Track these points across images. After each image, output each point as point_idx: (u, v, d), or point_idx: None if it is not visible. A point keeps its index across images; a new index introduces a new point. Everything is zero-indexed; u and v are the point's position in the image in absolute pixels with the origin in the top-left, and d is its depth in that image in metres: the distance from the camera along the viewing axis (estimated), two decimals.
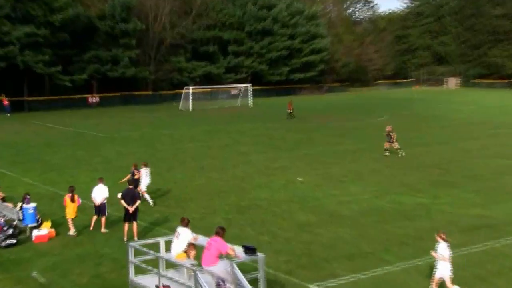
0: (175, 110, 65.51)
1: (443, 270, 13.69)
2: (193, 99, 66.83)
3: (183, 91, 68.80)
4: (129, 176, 22.58)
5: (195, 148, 36.89)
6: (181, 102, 67.33)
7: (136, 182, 22.02)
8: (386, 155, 33.17)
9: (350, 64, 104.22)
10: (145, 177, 22.73)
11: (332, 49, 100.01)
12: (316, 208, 21.93)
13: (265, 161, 32.09)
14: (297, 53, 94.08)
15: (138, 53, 76.38)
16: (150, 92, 79.37)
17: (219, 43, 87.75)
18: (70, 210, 18.73)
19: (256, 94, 75.70)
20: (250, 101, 71.35)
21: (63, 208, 19.14)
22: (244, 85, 74.51)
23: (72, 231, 18.71)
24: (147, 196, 22.41)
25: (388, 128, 34.33)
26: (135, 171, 22.74)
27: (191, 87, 68.59)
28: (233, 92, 77.91)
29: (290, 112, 55.05)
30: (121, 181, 23.09)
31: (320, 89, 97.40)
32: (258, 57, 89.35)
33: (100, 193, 19.07)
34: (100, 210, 19.00)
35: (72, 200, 18.76)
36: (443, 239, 13.73)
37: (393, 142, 33.72)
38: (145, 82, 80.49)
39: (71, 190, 19.07)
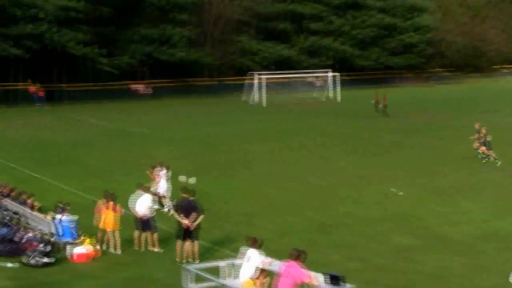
0: (239, 103, 66.05)
1: None
2: (261, 89, 67.03)
3: (248, 79, 69.00)
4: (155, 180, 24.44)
5: (264, 151, 37.18)
6: (251, 93, 67.22)
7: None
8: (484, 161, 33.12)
9: (465, 47, 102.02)
10: (165, 181, 24.21)
11: (441, 27, 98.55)
12: (419, 229, 21.85)
13: (354, 168, 32.13)
14: (395, 32, 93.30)
15: (195, 31, 77.41)
16: (209, 80, 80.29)
17: (295, 19, 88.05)
18: (108, 221, 19.33)
19: (344, 84, 74.87)
20: (337, 93, 70.79)
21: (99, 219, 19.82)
22: (329, 73, 73.98)
23: (98, 246, 19.35)
24: (169, 203, 23.47)
25: (482, 129, 33.99)
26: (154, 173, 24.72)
27: (260, 75, 68.47)
28: (315, 83, 77.45)
29: (379, 105, 55.01)
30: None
31: (426, 78, 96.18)
32: (343, 37, 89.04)
33: (141, 202, 19.62)
34: (143, 224, 19.48)
35: (113, 208, 19.36)
36: None
37: (480, 144, 33.49)
38: (202, 68, 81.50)
39: (107, 196, 19.71)
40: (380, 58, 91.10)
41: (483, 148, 33.36)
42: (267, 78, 69.83)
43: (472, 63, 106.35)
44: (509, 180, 29.07)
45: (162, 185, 24.06)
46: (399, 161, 33.96)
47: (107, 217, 19.38)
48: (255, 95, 66.26)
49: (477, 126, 34.34)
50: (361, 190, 27.37)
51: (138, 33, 73.29)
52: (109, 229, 19.39)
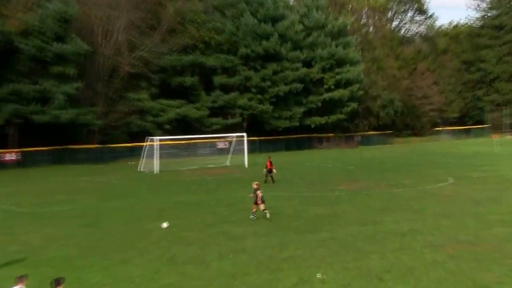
0: (134, 173, 65.63)
1: None
2: (160, 156, 66.93)
3: (146, 143, 68.96)
4: None
5: (163, 229, 36.73)
6: (142, 161, 67.37)
7: None
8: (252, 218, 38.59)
9: (395, 103, 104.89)
10: None
11: (368, 81, 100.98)
12: None
13: (268, 248, 31.89)
14: (316, 87, 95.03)
15: (79, 87, 76.92)
16: (96, 146, 79.61)
17: (201, 73, 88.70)
18: None
19: (255, 147, 75.88)
20: (244, 158, 71.41)
21: None
22: (237, 134, 74.71)
23: None
24: None
25: (255, 186, 39.29)
26: None
27: (157, 138, 68.65)
28: (221, 145, 78.13)
29: (268, 172, 56.49)
30: None
31: (351, 141, 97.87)
32: (258, 93, 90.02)
33: None
34: None
35: None
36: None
37: (258, 203, 38.95)
38: (89, 131, 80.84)
39: None
40: (299, 118, 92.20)
41: (262, 206, 38.77)
42: (166, 143, 69.74)
43: (408, 123, 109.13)
44: (453, 261, 29.29)
45: None
46: (322, 239, 33.93)
47: None
48: (154, 163, 65.93)
49: (254, 185, 39.38)
50: (277, 275, 27.07)
51: (11, 89, 72.22)
52: None
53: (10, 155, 72.88)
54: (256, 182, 40.01)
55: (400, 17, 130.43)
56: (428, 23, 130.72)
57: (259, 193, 38.98)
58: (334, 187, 53.64)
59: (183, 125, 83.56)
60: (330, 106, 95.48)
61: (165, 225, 36.37)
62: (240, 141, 73.32)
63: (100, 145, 79.81)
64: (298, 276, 26.86)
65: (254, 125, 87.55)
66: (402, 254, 30.51)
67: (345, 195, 49.57)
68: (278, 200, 46.88)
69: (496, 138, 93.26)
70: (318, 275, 26.67)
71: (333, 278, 26.45)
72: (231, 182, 58.18)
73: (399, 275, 26.99)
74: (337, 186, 54.26)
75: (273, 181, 56.29)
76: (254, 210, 39.26)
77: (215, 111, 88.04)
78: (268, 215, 38.69)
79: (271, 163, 57.29)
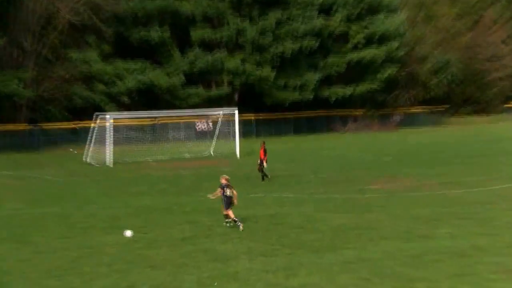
0: (77, 165, 65.68)
1: None
2: (115, 142, 66.90)
3: (95, 123, 68.88)
4: None
5: (118, 245, 36.60)
6: (89, 148, 67.31)
7: None
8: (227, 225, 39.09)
9: (451, 67, 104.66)
10: None
11: (412, 36, 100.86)
12: None
13: (269, 273, 31.73)
14: (338, 45, 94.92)
15: (3, 42, 76.90)
16: (24, 126, 79.57)
17: (173, 24, 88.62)
18: None
19: (250, 129, 75.81)
20: (238, 145, 71.38)
21: None
22: (225, 111, 74.62)
23: None
24: None
25: (223, 181, 39.71)
26: None
27: (111, 116, 68.45)
28: (202, 126, 78.14)
29: (261, 165, 57.13)
30: None
31: (387, 121, 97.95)
32: (255, 53, 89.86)
33: None
34: None
35: None
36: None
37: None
38: (14, 106, 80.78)
39: None
40: (313, 88, 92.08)
41: (226, 211, 39.41)
42: (123, 123, 69.71)
43: (469, 95, 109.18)
44: None
45: None
46: (346, 261, 33.80)
47: None
48: (106, 151, 65.99)
49: (223, 180, 39.87)
50: None
51: None
52: None
53: None
54: (226, 177, 40.17)
55: None
56: None
57: (219, 191, 39.43)
58: (363, 186, 53.63)
59: (147, 98, 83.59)
60: (357, 72, 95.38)
61: (129, 233, 36.43)
62: (229, 121, 73.30)
63: (30, 126, 79.81)
64: None
65: (250, 98, 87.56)
66: (462, 283, 30.36)
67: (380, 197, 49.50)
68: (283, 205, 46.83)
69: None
70: None
71: None
72: (215, 179, 57.90)
73: None
74: (368, 185, 54.23)
75: (268, 177, 56.14)
76: (233, 217, 39.18)
77: (193, 78, 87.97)
78: (229, 224, 39.66)
79: (265, 151, 56.97)
